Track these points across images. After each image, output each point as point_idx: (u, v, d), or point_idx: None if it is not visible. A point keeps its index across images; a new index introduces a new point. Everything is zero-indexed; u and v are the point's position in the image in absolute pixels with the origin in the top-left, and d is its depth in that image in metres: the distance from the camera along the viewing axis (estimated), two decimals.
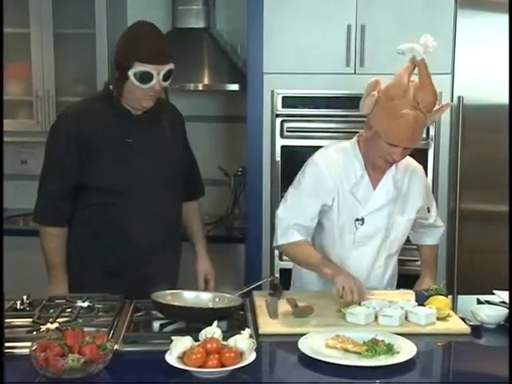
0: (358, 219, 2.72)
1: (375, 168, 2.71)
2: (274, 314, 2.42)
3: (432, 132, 3.70)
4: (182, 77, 4.14)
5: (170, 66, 2.70)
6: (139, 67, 2.63)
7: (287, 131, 3.80)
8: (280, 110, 3.78)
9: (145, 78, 2.64)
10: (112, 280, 2.71)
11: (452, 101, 3.63)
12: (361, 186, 2.72)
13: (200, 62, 4.21)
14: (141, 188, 2.77)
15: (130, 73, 2.64)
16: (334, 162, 2.73)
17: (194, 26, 4.26)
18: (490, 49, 3.61)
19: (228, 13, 4.38)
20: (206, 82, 4.16)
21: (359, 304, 2.46)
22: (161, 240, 2.83)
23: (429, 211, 2.91)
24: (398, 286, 2.91)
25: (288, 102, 3.79)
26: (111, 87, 2.79)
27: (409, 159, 2.81)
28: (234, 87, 4.12)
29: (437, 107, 2.60)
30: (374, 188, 2.73)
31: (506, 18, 3.50)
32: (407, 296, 2.60)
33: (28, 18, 4.20)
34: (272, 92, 3.77)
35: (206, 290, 2.94)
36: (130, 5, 4.47)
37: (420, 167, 2.88)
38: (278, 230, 2.75)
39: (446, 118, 3.67)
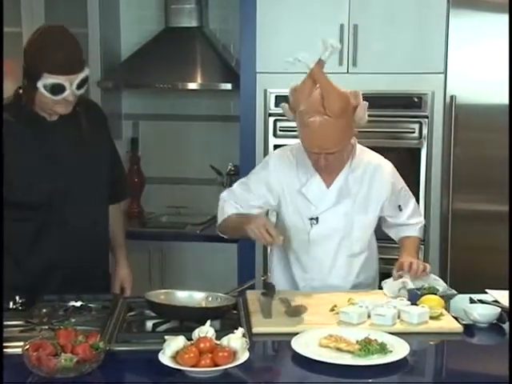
0: (312, 218, 2.74)
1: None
2: (267, 314, 2.41)
3: (425, 131, 3.70)
4: (174, 76, 4.15)
5: (84, 73, 2.48)
6: (49, 79, 2.41)
7: (280, 130, 3.80)
8: (273, 109, 3.78)
9: (56, 89, 2.43)
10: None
11: (445, 100, 3.64)
12: (311, 186, 2.73)
13: (193, 61, 4.21)
14: (60, 200, 2.57)
15: (40, 84, 2.42)
16: (284, 162, 2.76)
17: (186, 25, 4.26)
18: (483, 48, 3.61)
19: (221, 12, 4.38)
20: (198, 81, 4.15)
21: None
22: (86, 255, 2.64)
23: (400, 209, 2.84)
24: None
25: (281, 101, 3.76)
26: (21, 91, 2.56)
27: (372, 157, 2.79)
28: (227, 86, 4.11)
29: (360, 106, 2.57)
30: (329, 187, 2.73)
31: (498, 17, 3.51)
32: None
33: (20, 17, 4.18)
34: (265, 91, 3.77)
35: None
36: (123, 4, 4.47)
37: (387, 164, 2.80)
38: (218, 212, 2.81)
39: (438, 117, 3.68)
